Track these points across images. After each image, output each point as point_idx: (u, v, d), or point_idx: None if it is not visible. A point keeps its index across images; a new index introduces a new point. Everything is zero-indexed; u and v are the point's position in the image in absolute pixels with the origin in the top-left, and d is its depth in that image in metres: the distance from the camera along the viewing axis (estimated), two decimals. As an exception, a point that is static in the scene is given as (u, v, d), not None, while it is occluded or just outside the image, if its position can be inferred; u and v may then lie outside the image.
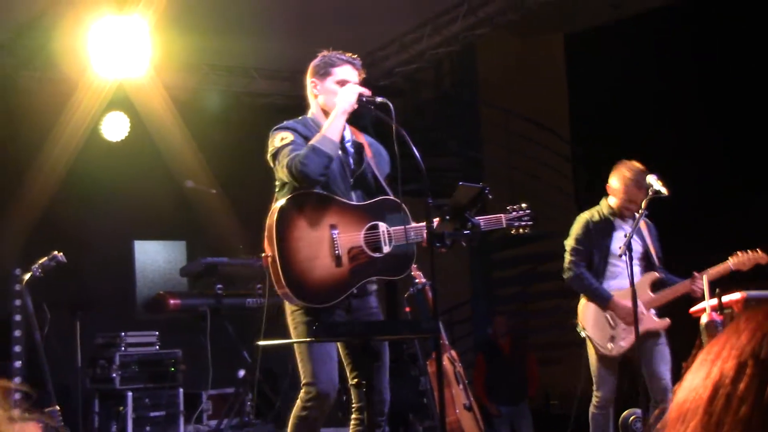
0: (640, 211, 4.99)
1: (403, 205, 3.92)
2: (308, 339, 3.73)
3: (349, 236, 3.83)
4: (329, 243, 3.79)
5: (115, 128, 8.48)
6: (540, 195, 9.27)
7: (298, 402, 3.83)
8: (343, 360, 3.91)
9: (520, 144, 10.07)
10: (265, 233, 3.81)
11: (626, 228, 5.19)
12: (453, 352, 6.18)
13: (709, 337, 4.42)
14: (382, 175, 4.02)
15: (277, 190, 3.95)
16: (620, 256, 4.89)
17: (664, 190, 4.96)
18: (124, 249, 8.84)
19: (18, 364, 5.23)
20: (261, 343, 4.11)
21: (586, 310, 5.35)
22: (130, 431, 6.84)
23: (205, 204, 7.96)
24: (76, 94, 7.64)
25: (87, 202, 8.33)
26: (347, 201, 3.88)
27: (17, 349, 5.27)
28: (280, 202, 3.82)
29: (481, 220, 3.92)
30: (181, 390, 7.12)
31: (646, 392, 5.06)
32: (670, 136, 8.66)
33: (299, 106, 4.16)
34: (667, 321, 5.24)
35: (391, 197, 3.94)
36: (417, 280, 5.91)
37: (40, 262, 5.38)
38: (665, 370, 5.19)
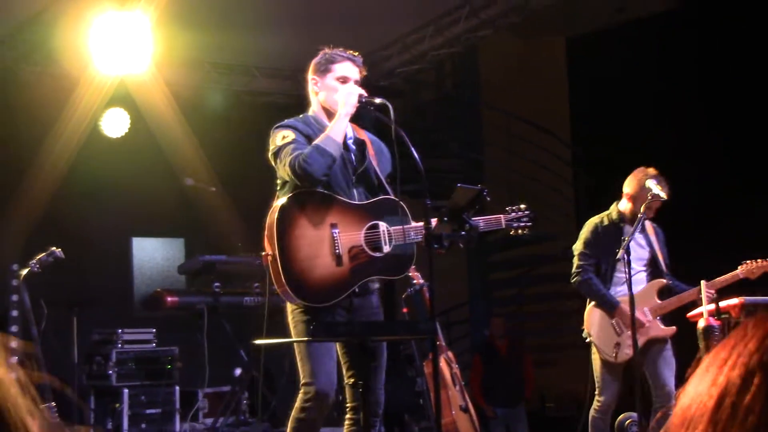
0: (638, 215, 4.98)
1: (403, 205, 3.91)
2: (306, 338, 3.72)
3: (350, 235, 3.82)
4: (330, 242, 3.78)
5: (115, 125, 8.47)
6: (540, 197, 9.27)
7: (297, 403, 3.80)
8: (340, 359, 3.90)
9: (521, 146, 10.07)
10: (266, 232, 3.80)
11: (636, 233, 5.17)
12: (450, 354, 6.17)
13: (706, 342, 4.42)
14: (383, 173, 4.02)
15: (278, 188, 3.94)
16: (617, 260, 4.88)
17: (663, 194, 4.95)
18: (122, 246, 8.84)
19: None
20: (259, 341, 4.09)
21: (592, 316, 5.33)
22: (125, 428, 6.84)
23: (205, 202, 7.96)
24: (77, 89, 7.64)
25: (86, 198, 8.32)
26: (348, 200, 3.87)
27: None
28: (280, 201, 3.81)
29: (481, 220, 3.93)
30: (178, 387, 7.12)
31: (644, 397, 5.06)
32: (671, 139, 8.66)
33: (300, 105, 4.16)
34: (673, 329, 5.22)
35: (392, 197, 3.94)
36: (415, 281, 5.90)
37: (38, 257, 5.38)
38: (669, 376, 5.18)
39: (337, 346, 3.89)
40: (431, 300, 4.06)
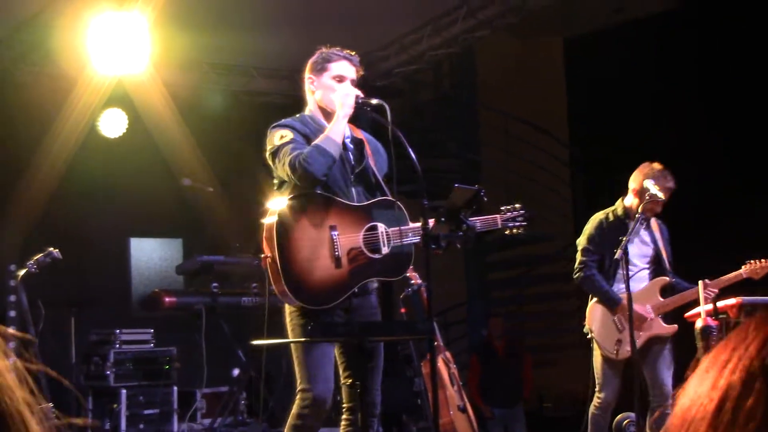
0: (636, 216, 4.98)
1: (401, 205, 3.91)
2: (303, 339, 3.71)
3: (349, 237, 3.81)
4: (329, 244, 3.77)
5: (113, 125, 8.47)
6: (537, 197, 9.29)
7: (294, 409, 3.77)
8: (337, 359, 3.88)
9: (519, 146, 10.08)
10: (264, 233, 3.78)
11: (640, 229, 5.17)
12: (448, 354, 6.18)
13: (704, 342, 4.42)
14: (380, 173, 4.02)
15: (275, 188, 3.93)
16: (615, 258, 4.88)
17: (660, 195, 4.96)
18: (120, 246, 8.84)
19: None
20: (258, 342, 4.09)
21: (594, 312, 5.33)
22: (123, 428, 6.84)
23: (203, 202, 7.95)
24: (75, 90, 7.63)
25: (84, 198, 8.32)
26: (346, 201, 3.86)
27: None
28: (279, 203, 3.80)
29: (478, 221, 3.93)
30: (176, 388, 7.11)
31: (642, 397, 5.05)
32: (669, 140, 8.65)
33: (298, 105, 4.15)
34: (674, 327, 5.21)
35: (389, 197, 3.93)
36: (413, 281, 5.90)
37: (36, 258, 5.38)
38: (667, 375, 5.18)
39: (335, 347, 3.89)
40: (429, 300, 4.06)
